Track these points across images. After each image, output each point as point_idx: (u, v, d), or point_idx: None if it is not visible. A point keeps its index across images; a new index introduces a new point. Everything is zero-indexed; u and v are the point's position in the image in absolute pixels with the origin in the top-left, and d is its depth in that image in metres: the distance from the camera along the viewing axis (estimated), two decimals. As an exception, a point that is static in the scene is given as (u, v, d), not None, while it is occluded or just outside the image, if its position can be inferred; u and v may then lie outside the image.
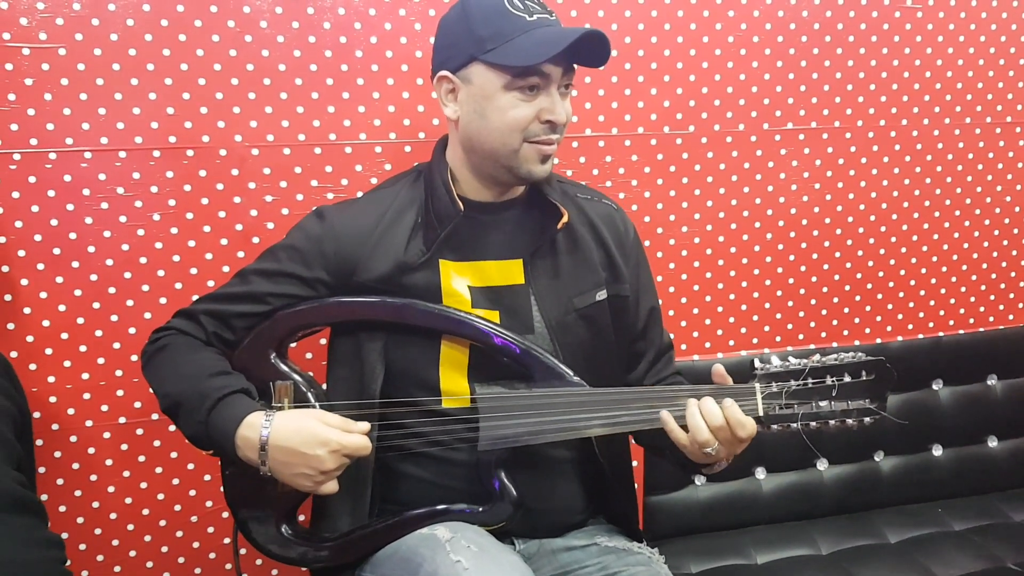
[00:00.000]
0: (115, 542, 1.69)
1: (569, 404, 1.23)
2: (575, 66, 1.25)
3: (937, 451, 2.00)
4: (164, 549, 1.72)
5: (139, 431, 1.67)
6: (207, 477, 1.72)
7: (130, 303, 1.62)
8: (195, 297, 1.38)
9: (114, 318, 1.62)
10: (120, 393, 1.64)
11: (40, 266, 1.57)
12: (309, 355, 1.72)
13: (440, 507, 1.28)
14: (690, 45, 1.83)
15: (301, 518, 1.36)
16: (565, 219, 1.31)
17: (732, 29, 1.84)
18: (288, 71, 1.63)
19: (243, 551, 1.43)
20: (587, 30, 1.19)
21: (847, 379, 1.19)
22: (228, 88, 1.61)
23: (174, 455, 1.69)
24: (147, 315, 1.63)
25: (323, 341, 1.66)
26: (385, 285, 1.30)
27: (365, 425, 1.23)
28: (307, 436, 1.18)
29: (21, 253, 1.56)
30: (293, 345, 1.49)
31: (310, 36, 1.63)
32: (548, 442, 1.24)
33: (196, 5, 1.57)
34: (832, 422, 1.20)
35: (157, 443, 1.68)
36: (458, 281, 1.31)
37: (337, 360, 1.36)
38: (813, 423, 1.19)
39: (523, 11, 1.21)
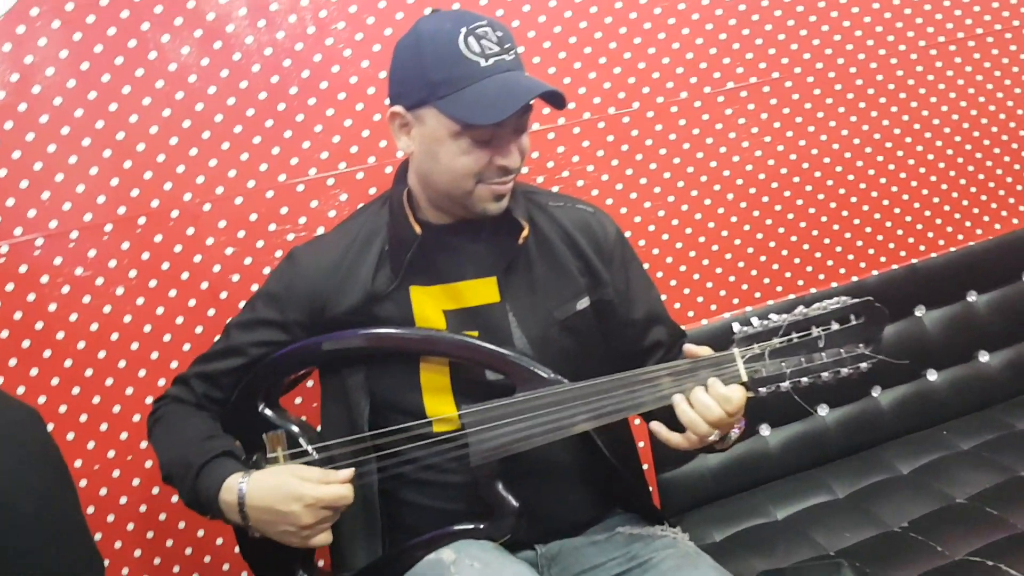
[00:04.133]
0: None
1: (551, 403, 1.21)
2: (531, 105, 1.21)
3: (932, 376, 2.02)
4: None
5: (142, 508, 1.64)
6: (219, 541, 1.69)
7: (109, 382, 1.59)
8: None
9: (96, 400, 1.59)
10: (116, 474, 1.61)
11: (12, 362, 1.54)
12: (298, 400, 1.71)
13: (448, 529, 1.27)
14: (619, 23, 1.83)
15: (321, 563, 1.35)
16: (525, 233, 1.29)
17: (657, 0, 1.84)
18: (225, 120, 1.61)
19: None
20: (540, 92, 1.17)
21: (835, 327, 1.14)
22: (168, 148, 1.59)
23: (181, 525, 1.67)
24: (128, 390, 1.60)
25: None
26: (357, 317, 1.29)
27: (346, 473, 1.22)
28: (282, 493, 1.18)
29: (-10, 352, 1.53)
30: (296, 400, 1.48)
31: (241, 82, 1.62)
32: (541, 445, 1.22)
33: (121, 73, 1.55)
34: (825, 375, 1.14)
35: (163, 516, 1.66)
36: (432, 306, 1.30)
37: (326, 399, 1.36)
38: (804, 379, 1.14)
39: (479, 54, 1.16)
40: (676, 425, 1.18)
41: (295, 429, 1.31)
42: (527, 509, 1.25)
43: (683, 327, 1.52)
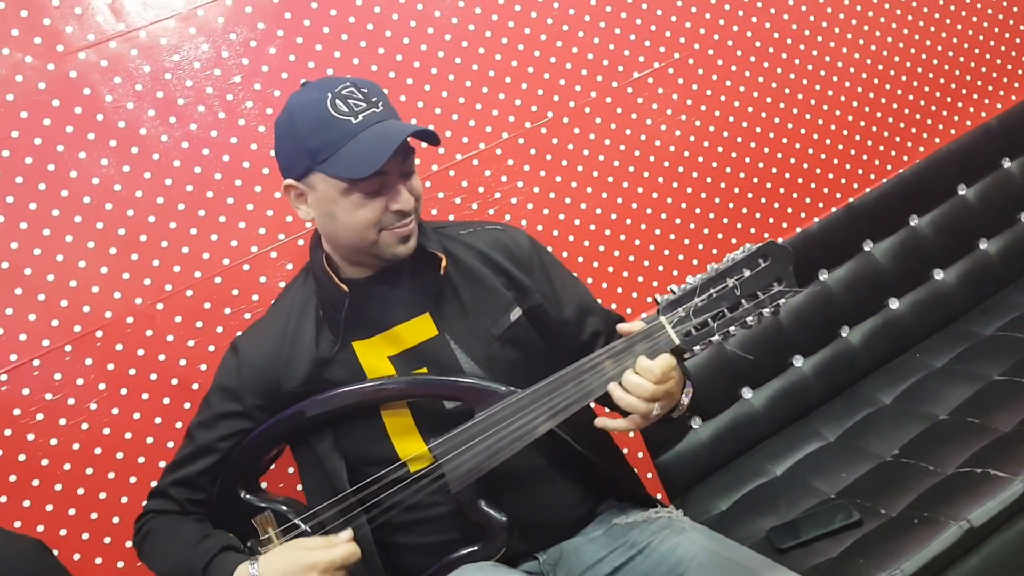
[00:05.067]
0: None
1: (510, 414, 1.24)
2: (411, 147, 1.26)
3: (894, 304, 2.08)
4: None
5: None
6: None
7: (103, 496, 1.61)
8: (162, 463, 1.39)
9: (94, 516, 1.61)
10: (130, 582, 1.63)
11: (2, 498, 1.56)
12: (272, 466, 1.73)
13: (446, 560, 1.31)
14: (516, 40, 1.88)
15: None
16: (444, 263, 1.33)
17: (547, 10, 1.90)
18: (159, 219, 1.65)
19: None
20: (408, 132, 1.21)
21: (747, 274, 1.18)
22: (108, 259, 1.62)
23: None
24: (124, 499, 1.62)
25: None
26: (312, 386, 1.33)
27: (347, 534, 1.27)
28: (296, 567, 1.22)
29: (-21, 495, 1.55)
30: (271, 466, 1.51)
31: (166, 179, 1.66)
32: (517, 455, 1.25)
33: (47, 198, 1.58)
34: (749, 319, 1.18)
35: None
36: (377, 356, 1.34)
37: (303, 469, 1.40)
38: (731, 328, 1.18)
39: (348, 113, 1.21)
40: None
41: (281, 507, 1.35)
42: (516, 521, 1.28)
43: (645, 314, 1.55)
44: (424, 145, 1.76)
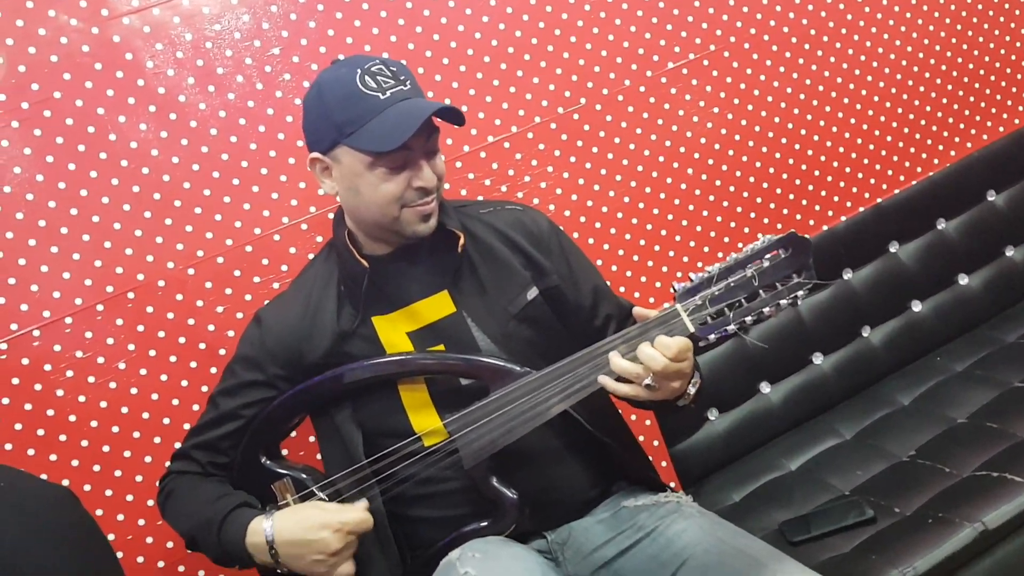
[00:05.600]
0: None
1: (524, 393, 1.26)
2: (436, 125, 1.28)
3: (916, 306, 2.07)
4: None
5: (180, 568, 1.69)
6: None
7: (128, 454, 1.64)
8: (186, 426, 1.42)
9: (118, 473, 1.64)
10: (149, 540, 1.66)
11: (31, 451, 1.59)
12: (294, 433, 1.75)
13: (458, 532, 1.32)
14: (553, 25, 1.89)
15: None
16: (462, 241, 1.35)
17: (585, -3, 1.91)
18: (194, 186, 1.67)
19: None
20: (434, 109, 1.23)
21: (766, 264, 1.18)
22: (143, 223, 1.64)
23: (201, 574, 1.71)
24: (147, 459, 1.65)
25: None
26: (333, 358, 1.36)
27: (362, 503, 1.30)
28: (308, 524, 1.26)
29: (8, 447, 1.58)
30: (292, 434, 1.53)
31: (202, 147, 1.68)
32: (531, 434, 1.27)
33: (85, 159, 1.61)
34: (766, 309, 1.18)
35: (202, 573, 1.70)
36: (395, 331, 1.36)
37: (322, 438, 1.43)
38: (748, 318, 1.18)
39: (376, 89, 1.24)
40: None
41: (300, 475, 1.37)
42: (528, 499, 1.30)
43: (667, 304, 1.56)
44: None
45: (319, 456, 1.44)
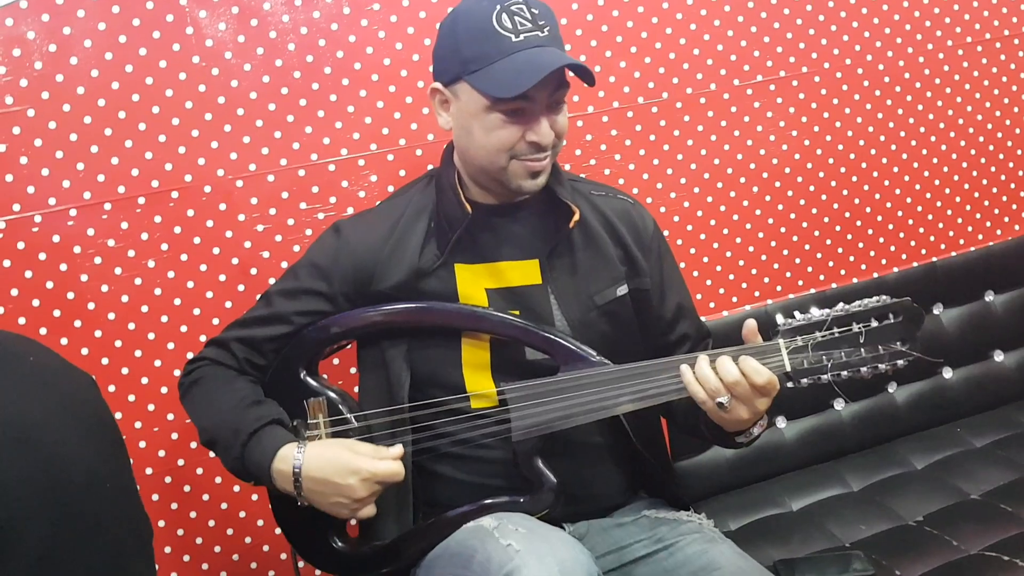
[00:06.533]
0: (173, 575, 1.68)
1: (595, 384, 1.23)
2: (567, 80, 1.24)
3: (947, 373, 2.04)
4: (223, 575, 1.71)
5: (180, 461, 1.65)
6: (254, 497, 1.70)
7: (138, 353, 1.61)
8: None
9: (125, 371, 1.60)
10: (142, 445, 1.62)
11: (43, 331, 1.55)
12: (336, 361, 1.72)
13: (484, 502, 1.29)
14: (651, 13, 1.83)
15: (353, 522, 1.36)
16: (576, 217, 1.31)
17: (690, -9, 1.85)
18: (260, 98, 1.62)
19: (301, 564, 1.44)
20: (561, 63, 1.18)
21: (874, 324, 1.17)
22: (203, 124, 1.60)
23: (218, 480, 1.68)
24: (157, 363, 1.62)
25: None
26: (402, 292, 1.31)
27: (398, 450, 1.25)
28: (339, 466, 1.21)
29: (21, 321, 1.54)
30: (335, 361, 1.49)
31: (277, 60, 1.62)
32: (580, 426, 1.24)
33: (158, 47, 1.56)
34: (864, 369, 1.17)
35: (200, 471, 1.67)
36: (475, 284, 1.31)
37: (365, 370, 1.38)
38: (844, 372, 1.17)
39: (510, 30, 1.19)
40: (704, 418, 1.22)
41: (335, 396, 1.33)
42: (564, 487, 1.26)
43: (703, 319, 1.54)
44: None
45: (356, 388, 1.39)
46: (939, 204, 2.08)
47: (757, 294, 1.97)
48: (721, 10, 1.88)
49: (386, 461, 1.22)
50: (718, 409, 1.15)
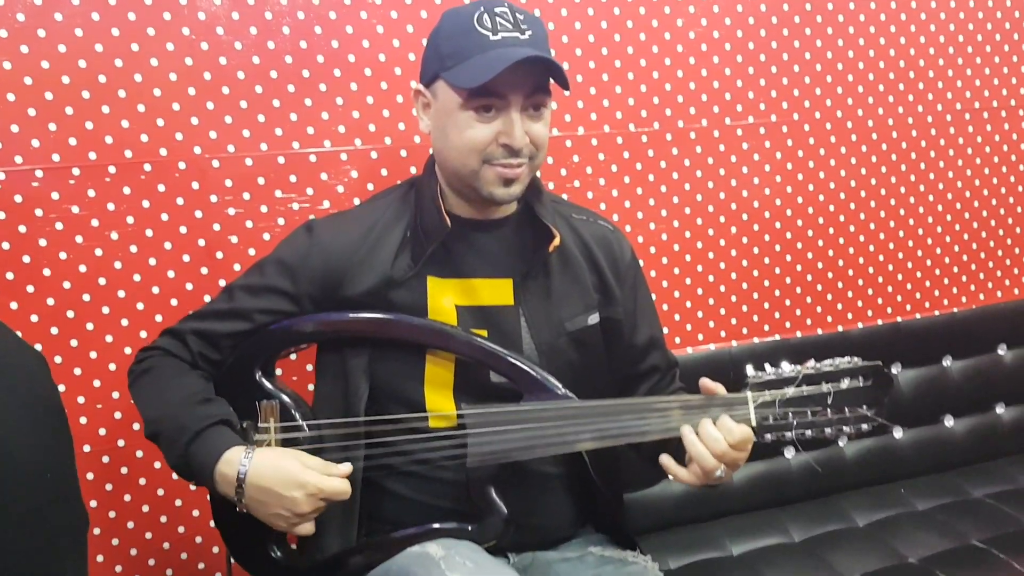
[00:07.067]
0: (100, 558, 1.62)
1: (558, 417, 1.21)
2: (548, 88, 1.22)
3: (898, 433, 2.06)
4: (151, 562, 1.65)
5: (120, 442, 1.60)
6: (192, 486, 1.64)
7: (90, 326, 1.55)
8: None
9: (74, 343, 1.54)
10: (83, 420, 1.57)
11: (-8, 292, 1.49)
12: (294, 356, 1.68)
13: (432, 526, 1.26)
14: (652, 42, 1.82)
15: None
16: (557, 241, 1.29)
17: (693, 25, 1.84)
18: (247, 79, 1.57)
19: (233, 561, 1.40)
20: (527, 55, 1.16)
21: (844, 385, 1.17)
22: (185, 98, 1.54)
23: (157, 465, 1.62)
24: (108, 338, 1.56)
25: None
26: (371, 300, 1.28)
27: (347, 467, 1.21)
28: (285, 477, 1.17)
29: (-29, 280, 1.48)
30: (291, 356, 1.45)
31: (269, 42, 1.58)
32: (540, 456, 1.22)
33: (148, 13, 1.50)
34: (828, 430, 1.16)
35: (140, 454, 1.61)
36: (445, 298, 1.29)
37: (323, 376, 1.34)
38: (809, 431, 1.16)
39: (489, 29, 1.18)
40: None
41: (289, 401, 1.29)
42: (513, 518, 1.24)
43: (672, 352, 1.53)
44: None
45: (311, 388, 1.36)
46: (910, 265, 2.10)
47: (723, 334, 1.97)
48: (722, 48, 1.87)
49: (334, 478, 1.19)
50: (708, 480, 1.15)
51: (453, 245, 1.28)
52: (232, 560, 1.35)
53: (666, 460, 1.18)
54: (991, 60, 2.09)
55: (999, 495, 1.97)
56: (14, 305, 1.50)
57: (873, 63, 1.99)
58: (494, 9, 1.20)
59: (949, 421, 2.11)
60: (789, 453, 1.97)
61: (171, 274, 1.58)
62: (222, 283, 1.58)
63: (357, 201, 1.58)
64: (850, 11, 1.95)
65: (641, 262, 1.84)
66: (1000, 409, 2.15)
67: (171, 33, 1.52)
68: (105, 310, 1.55)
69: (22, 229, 1.49)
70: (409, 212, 1.31)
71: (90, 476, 1.58)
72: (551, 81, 1.22)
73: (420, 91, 1.27)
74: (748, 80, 1.90)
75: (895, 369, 2.07)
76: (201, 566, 1.68)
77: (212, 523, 1.37)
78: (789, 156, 1.96)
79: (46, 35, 1.45)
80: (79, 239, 1.52)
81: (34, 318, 1.52)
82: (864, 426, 1.17)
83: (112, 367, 1.56)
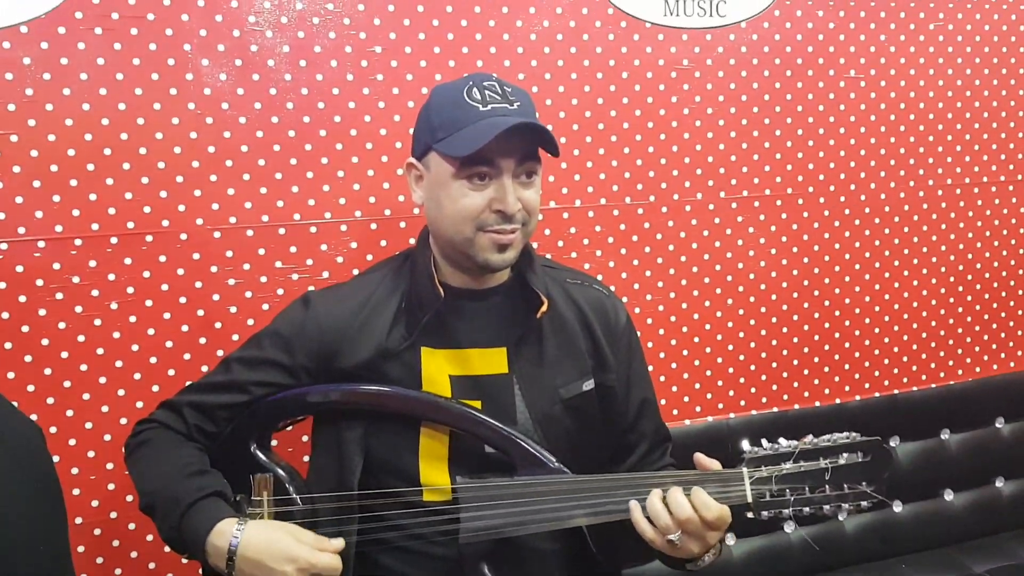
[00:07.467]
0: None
1: (551, 492, 1.20)
2: (538, 155, 1.25)
3: (897, 507, 2.04)
4: None
5: (113, 514, 1.58)
6: (183, 560, 1.61)
7: (87, 396, 1.54)
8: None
9: (70, 413, 1.54)
10: (76, 492, 1.55)
11: (-10, 362, 1.49)
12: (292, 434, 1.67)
13: None
14: (647, 118, 1.86)
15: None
16: (544, 308, 1.29)
17: (687, 102, 1.88)
18: (251, 152, 1.60)
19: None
20: (518, 121, 1.19)
21: (842, 460, 1.15)
22: (188, 171, 1.57)
23: (149, 538, 1.60)
24: (104, 408, 1.55)
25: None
26: (366, 372, 1.28)
27: (339, 543, 1.20)
28: (276, 551, 1.15)
29: (-32, 351, 1.48)
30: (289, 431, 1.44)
31: (273, 116, 1.61)
32: (533, 533, 1.21)
33: (155, 89, 1.53)
34: (827, 507, 1.15)
35: (132, 526, 1.59)
36: (439, 369, 1.29)
37: (318, 448, 1.34)
38: (806, 509, 1.15)
39: (479, 101, 1.22)
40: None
41: (283, 475, 1.29)
42: None
43: (667, 424, 1.52)
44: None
45: (306, 459, 1.35)
46: (905, 338, 2.11)
47: (721, 406, 1.97)
48: (716, 123, 1.91)
49: (326, 554, 1.17)
50: (668, 546, 1.12)
51: (447, 315, 1.29)
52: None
53: (634, 504, 1.15)
54: (980, 137, 2.13)
55: (1000, 571, 1.96)
56: (11, 375, 1.50)
57: (864, 139, 2.03)
58: (483, 82, 1.24)
59: (949, 495, 2.09)
60: (789, 527, 1.95)
61: (169, 344, 1.58)
62: (220, 353, 1.58)
63: (356, 272, 1.59)
64: (841, 88, 1.99)
65: (638, 333, 1.87)
66: (1000, 483, 2.14)
67: (177, 108, 1.55)
68: (102, 380, 1.55)
69: (22, 299, 1.49)
70: (404, 284, 1.32)
71: (81, 549, 1.56)
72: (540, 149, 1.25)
73: (413, 164, 1.29)
74: (742, 155, 1.94)
75: (893, 442, 2.06)
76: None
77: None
78: (783, 229, 1.99)
79: (53, 109, 1.48)
80: (79, 309, 1.53)
81: (31, 388, 1.51)
82: (863, 503, 1.16)
83: (107, 438, 1.55)
